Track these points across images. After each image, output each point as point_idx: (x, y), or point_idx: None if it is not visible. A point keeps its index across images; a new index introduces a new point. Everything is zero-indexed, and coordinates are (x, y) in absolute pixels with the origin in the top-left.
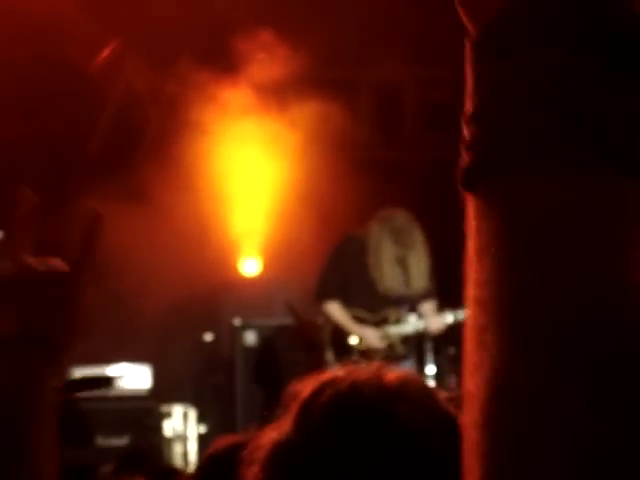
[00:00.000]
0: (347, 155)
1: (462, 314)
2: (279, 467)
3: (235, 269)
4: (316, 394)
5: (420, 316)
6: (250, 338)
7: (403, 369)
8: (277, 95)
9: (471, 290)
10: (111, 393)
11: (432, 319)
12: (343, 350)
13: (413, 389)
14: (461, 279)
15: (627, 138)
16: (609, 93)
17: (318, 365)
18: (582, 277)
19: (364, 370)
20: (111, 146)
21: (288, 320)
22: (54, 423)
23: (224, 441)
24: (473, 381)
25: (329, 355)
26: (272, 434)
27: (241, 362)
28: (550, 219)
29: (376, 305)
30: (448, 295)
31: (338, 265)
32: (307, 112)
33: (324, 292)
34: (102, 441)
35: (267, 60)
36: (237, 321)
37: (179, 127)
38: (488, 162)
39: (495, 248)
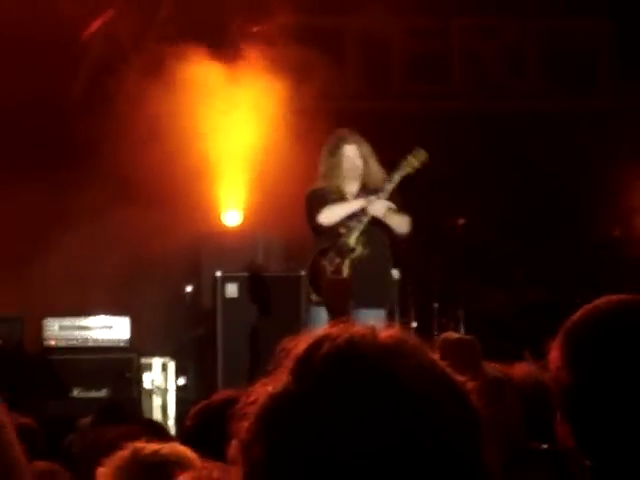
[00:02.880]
0: (332, 106)
1: (389, 185)
2: (277, 419)
3: (216, 220)
4: (313, 348)
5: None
6: (231, 290)
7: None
8: (261, 44)
9: None
10: (90, 344)
11: (372, 204)
12: (319, 284)
13: (409, 348)
14: None
15: None
16: None
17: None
18: None
19: (358, 328)
20: (93, 91)
21: (269, 271)
22: None
23: (220, 395)
24: None
25: (313, 296)
26: (267, 388)
27: (222, 314)
28: None
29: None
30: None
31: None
32: (291, 62)
33: (314, 214)
34: (80, 393)
35: (251, 7)
36: (218, 273)
37: (162, 78)
38: None
39: None
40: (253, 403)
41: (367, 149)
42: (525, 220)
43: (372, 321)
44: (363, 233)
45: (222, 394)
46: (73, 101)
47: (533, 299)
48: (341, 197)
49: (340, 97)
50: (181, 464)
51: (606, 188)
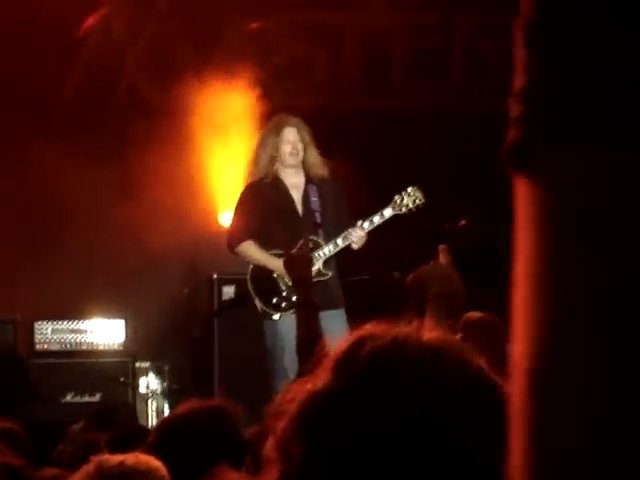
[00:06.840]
0: (332, 104)
1: (377, 218)
2: (316, 417)
3: (213, 222)
4: (356, 347)
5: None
6: (228, 292)
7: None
8: (259, 43)
9: (521, 266)
10: (83, 348)
11: (351, 232)
12: (268, 293)
13: (454, 350)
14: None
15: None
16: None
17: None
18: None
19: (402, 328)
20: (87, 89)
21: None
22: None
23: (184, 406)
24: (518, 349)
25: (258, 304)
26: (305, 387)
27: (218, 316)
28: (616, 188)
29: (296, 237)
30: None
31: (247, 210)
32: (290, 61)
33: (235, 238)
34: (73, 398)
35: (250, 5)
36: (215, 275)
37: (160, 76)
38: (546, 134)
39: (549, 221)
40: (291, 401)
41: (308, 134)
42: None
43: (334, 322)
44: (331, 258)
45: (186, 406)
46: (67, 97)
47: None
48: (285, 193)
49: (339, 95)
50: (145, 474)
51: None
